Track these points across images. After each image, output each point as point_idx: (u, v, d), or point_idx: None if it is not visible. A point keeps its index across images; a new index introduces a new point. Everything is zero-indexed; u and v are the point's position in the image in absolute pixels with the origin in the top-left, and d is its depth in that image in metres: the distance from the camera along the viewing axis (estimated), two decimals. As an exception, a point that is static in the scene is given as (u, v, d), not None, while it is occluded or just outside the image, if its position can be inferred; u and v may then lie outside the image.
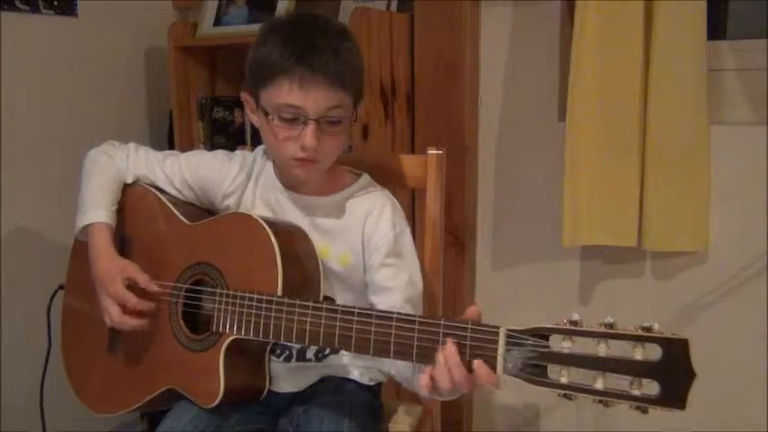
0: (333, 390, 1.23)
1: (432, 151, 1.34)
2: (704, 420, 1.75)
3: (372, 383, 1.28)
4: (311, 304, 1.04)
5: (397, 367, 1.14)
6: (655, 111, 1.63)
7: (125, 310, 1.17)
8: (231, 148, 1.39)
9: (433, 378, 0.94)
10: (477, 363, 0.91)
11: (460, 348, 0.92)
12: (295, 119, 1.10)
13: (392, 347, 0.97)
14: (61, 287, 1.38)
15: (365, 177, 1.26)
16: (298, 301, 1.04)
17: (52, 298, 1.40)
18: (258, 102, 1.14)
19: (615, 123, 1.66)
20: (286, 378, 1.23)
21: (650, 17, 1.61)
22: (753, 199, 1.69)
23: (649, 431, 1.82)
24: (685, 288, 1.78)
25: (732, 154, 1.70)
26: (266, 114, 1.12)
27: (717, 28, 1.77)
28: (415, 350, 0.95)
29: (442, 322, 0.94)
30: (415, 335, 0.95)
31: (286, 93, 1.09)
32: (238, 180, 1.25)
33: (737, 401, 1.75)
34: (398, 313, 0.98)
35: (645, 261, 1.83)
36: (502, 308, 1.98)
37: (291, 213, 1.21)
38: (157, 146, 2.18)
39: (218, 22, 2.08)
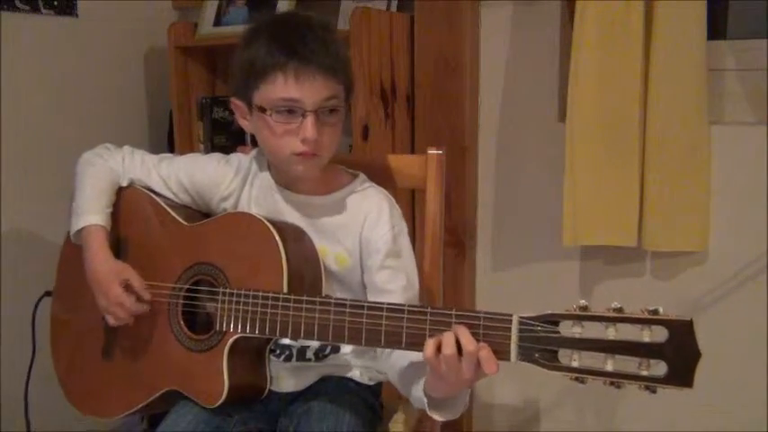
0: (333, 389, 1.23)
1: (432, 151, 1.34)
2: (704, 420, 1.75)
3: (372, 383, 1.28)
4: (318, 299, 1.04)
5: (393, 372, 1.14)
6: (655, 111, 1.63)
7: (125, 310, 1.17)
8: (231, 148, 1.39)
9: (438, 347, 0.93)
10: (483, 349, 0.91)
11: (473, 337, 0.93)
12: (293, 113, 1.10)
13: (404, 339, 0.98)
14: (48, 293, 1.37)
15: (362, 177, 1.26)
16: (305, 297, 1.05)
17: (37, 304, 1.39)
18: (251, 104, 1.14)
19: (615, 123, 1.66)
20: (286, 378, 1.23)
21: (650, 17, 1.61)
22: (753, 199, 1.69)
23: (649, 430, 1.82)
24: (685, 288, 1.78)
25: (732, 154, 1.70)
26: (263, 111, 1.11)
27: (717, 28, 1.77)
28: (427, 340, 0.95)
29: (453, 312, 0.95)
30: (428, 326, 0.96)
31: (282, 87, 1.09)
32: (235, 183, 1.25)
33: (737, 401, 1.75)
34: (409, 305, 0.99)
35: (645, 261, 1.83)
36: (502, 308, 1.98)
37: (288, 214, 1.21)
38: (157, 146, 2.21)
39: (218, 22, 2.08)
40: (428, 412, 1.04)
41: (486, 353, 0.91)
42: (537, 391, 2.01)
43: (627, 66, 1.63)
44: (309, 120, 1.09)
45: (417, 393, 1.05)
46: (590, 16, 1.63)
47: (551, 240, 1.82)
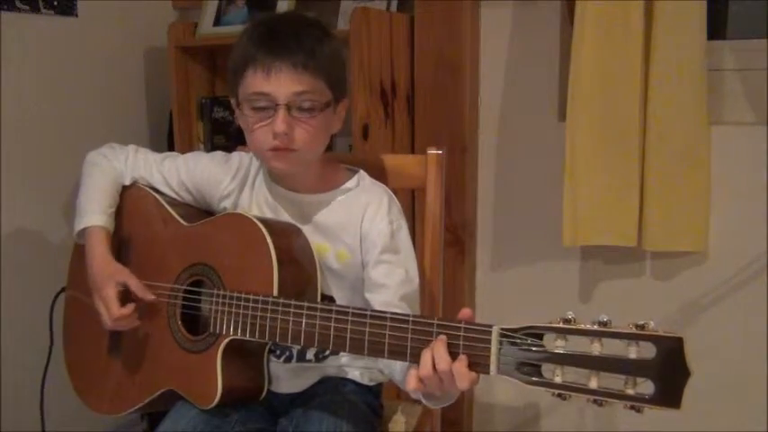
0: (332, 390, 1.23)
1: (432, 151, 1.34)
2: (704, 420, 1.75)
3: (372, 384, 1.28)
4: (306, 304, 1.03)
5: (391, 368, 1.14)
6: (655, 111, 1.63)
7: (119, 312, 1.17)
8: (231, 148, 1.39)
9: (421, 380, 0.93)
10: (457, 362, 0.90)
11: (453, 348, 0.91)
12: (265, 107, 1.10)
13: (386, 348, 0.96)
14: (64, 290, 1.38)
15: (361, 173, 1.26)
16: (293, 302, 1.04)
17: (54, 300, 1.40)
18: (238, 101, 1.15)
19: (615, 123, 1.66)
20: (286, 379, 1.23)
21: (650, 17, 1.61)
22: (753, 199, 1.69)
23: (650, 431, 1.82)
24: (685, 288, 1.78)
25: (732, 154, 1.70)
26: (240, 108, 1.13)
27: (717, 28, 1.77)
28: (408, 350, 0.95)
29: (435, 322, 0.93)
30: (409, 335, 0.95)
31: (251, 81, 1.09)
32: (235, 182, 1.25)
33: (737, 401, 1.75)
34: (392, 313, 0.98)
35: (645, 261, 1.83)
36: (502, 308, 1.99)
37: (287, 213, 1.21)
38: (157, 146, 2.21)
39: (218, 22, 2.08)
40: (422, 401, 1.04)
41: (459, 367, 0.89)
42: (537, 392, 2.01)
43: (627, 66, 1.63)
44: (279, 113, 1.09)
45: None
46: (590, 16, 1.63)
47: (551, 240, 1.82)
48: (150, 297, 1.18)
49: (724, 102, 1.71)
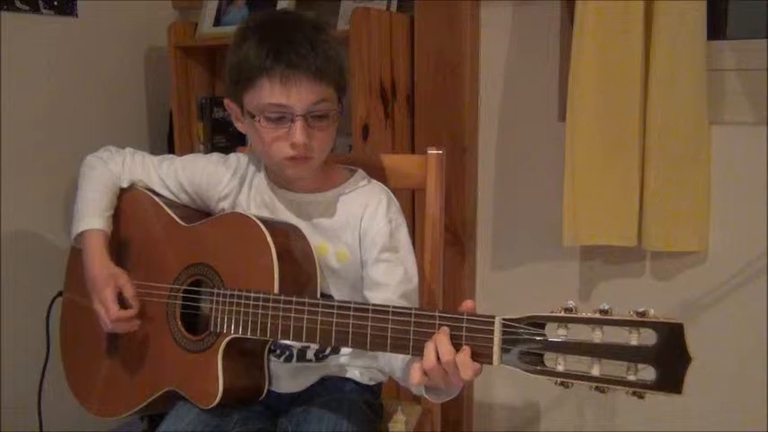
0: (332, 390, 1.23)
1: (432, 151, 1.34)
2: (704, 420, 1.75)
3: (372, 383, 1.28)
4: (307, 301, 1.03)
5: (391, 366, 1.14)
6: (655, 111, 1.63)
7: (117, 313, 1.17)
8: (231, 148, 1.39)
9: (425, 372, 0.93)
10: (461, 353, 0.90)
11: (456, 340, 0.91)
12: (281, 118, 1.10)
13: (389, 341, 0.97)
14: (60, 294, 1.38)
15: (360, 173, 1.26)
16: (294, 299, 1.04)
17: (51, 304, 1.40)
18: (243, 107, 1.14)
19: (615, 123, 1.66)
20: (286, 378, 1.23)
21: (650, 17, 1.61)
22: (753, 199, 1.69)
23: (650, 430, 1.82)
24: (685, 288, 1.78)
25: (732, 154, 1.70)
26: (252, 117, 1.11)
27: (717, 28, 1.77)
28: (411, 343, 0.95)
29: (437, 314, 0.94)
30: (412, 328, 0.95)
31: (268, 93, 1.08)
32: (233, 183, 1.25)
33: (737, 401, 1.75)
34: (394, 307, 0.98)
35: (645, 261, 1.83)
36: (502, 308, 1.97)
37: (286, 213, 1.21)
38: (157, 146, 2.21)
39: (218, 22, 2.09)
40: (425, 396, 1.04)
41: (463, 358, 0.90)
42: (537, 391, 2.01)
43: (627, 66, 1.63)
44: (298, 125, 1.09)
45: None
46: (590, 16, 1.63)
47: (551, 240, 1.82)
48: (134, 307, 1.16)
49: (724, 102, 1.71)
